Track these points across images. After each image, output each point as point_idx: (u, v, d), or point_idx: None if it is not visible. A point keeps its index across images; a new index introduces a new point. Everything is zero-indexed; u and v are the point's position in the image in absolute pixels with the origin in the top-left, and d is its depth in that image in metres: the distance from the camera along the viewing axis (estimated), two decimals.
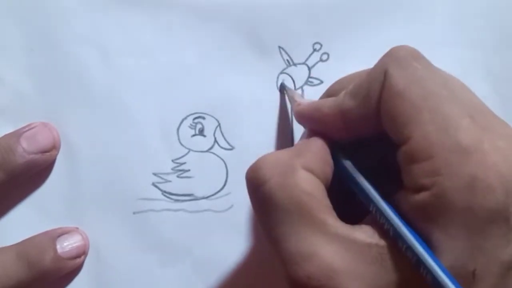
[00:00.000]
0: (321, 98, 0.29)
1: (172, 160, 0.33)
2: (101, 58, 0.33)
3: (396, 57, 0.24)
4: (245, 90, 0.33)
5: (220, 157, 0.33)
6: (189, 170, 0.33)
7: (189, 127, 0.33)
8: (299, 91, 0.33)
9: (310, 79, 0.33)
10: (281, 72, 0.33)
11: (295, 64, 0.33)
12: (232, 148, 0.33)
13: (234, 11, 0.33)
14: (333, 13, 0.33)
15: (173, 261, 0.33)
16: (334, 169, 0.26)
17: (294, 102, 0.30)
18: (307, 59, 0.33)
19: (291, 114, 0.33)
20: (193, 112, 0.33)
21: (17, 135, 0.32)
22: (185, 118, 0.33)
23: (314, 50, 0.33)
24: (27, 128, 0.32)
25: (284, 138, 0.33)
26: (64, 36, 0.33)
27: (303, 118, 0.28)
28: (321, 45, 0.33)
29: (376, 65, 0.25)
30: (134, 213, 0.33)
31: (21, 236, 0.32)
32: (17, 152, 0.31)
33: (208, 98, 0.33)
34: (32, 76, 0.33)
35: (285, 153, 0.26)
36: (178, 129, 0.33)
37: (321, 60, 0.33)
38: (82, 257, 0.32)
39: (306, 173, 0.24)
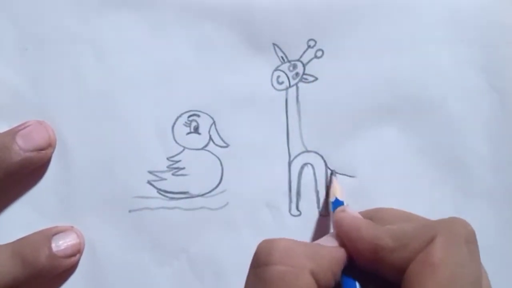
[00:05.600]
0: (363, 215, 0.29)
1: (167, 158, 0.33)
2: (95, 56, 0.33)
3: (451, 230, 0.25)
4: (239, 88, 0.33)
5: (215, 155, 0.33)
6: (184, 168, 0.33)
7: (184, 125, 0.33)
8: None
9: (304, 76, 0.33)
10: (276, 69, 0.33)
11: (289, 61, 0.33)
12: (227, 146, 0.33)
13: (228, 9, 0.33)
14: (327, 9, 0.33)
15: (169, 259, 0.33)
16: (339, 281, 0.26)
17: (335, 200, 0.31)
18: (301, 56, 0.33)
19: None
20: (187, 110, 0.33)
21: (12, 133, 0.32)
22: (180, 116, 0.33)
23: (309, 47, 0.33)
24: (22, 126, 0.32)
25: None
26: (59, 34, 0.33)
27: (340, 227, 0.28)
28: (316, 42, 0.33)
29: (430, 224, 0.26)
30: (129, 211, 0.33)
31: (16, 235, 0.32)
32: (12, 150, 0.31)
33: (202, 95, 0.33)
34: (26, 74, 0.33)
35: (302, 247, 0.26)
36: (173, 127, 0.33)
37: (315, 56, 0.33)
38: (78, 255, 0.32)
39: (311, 280, 0.24)
